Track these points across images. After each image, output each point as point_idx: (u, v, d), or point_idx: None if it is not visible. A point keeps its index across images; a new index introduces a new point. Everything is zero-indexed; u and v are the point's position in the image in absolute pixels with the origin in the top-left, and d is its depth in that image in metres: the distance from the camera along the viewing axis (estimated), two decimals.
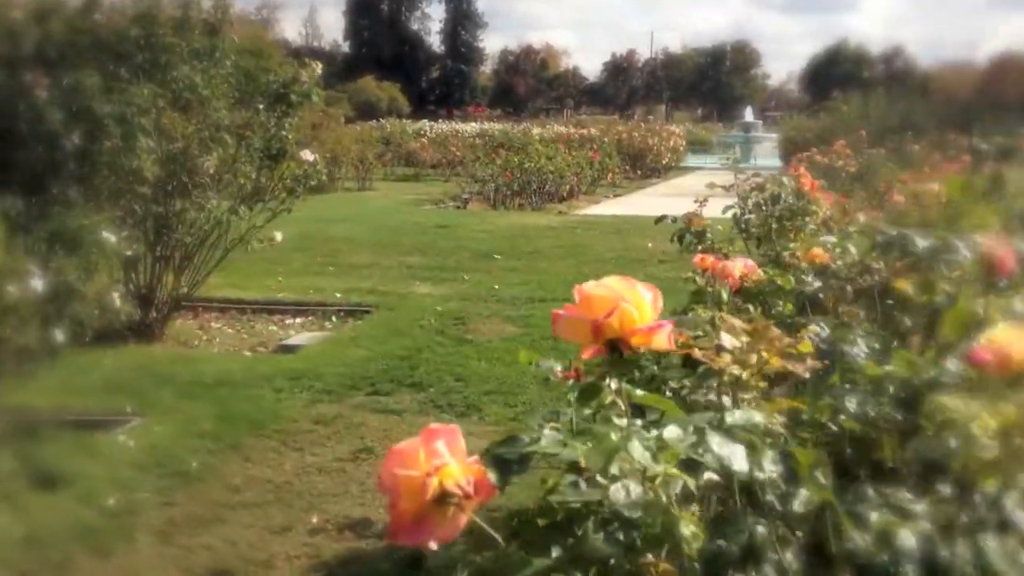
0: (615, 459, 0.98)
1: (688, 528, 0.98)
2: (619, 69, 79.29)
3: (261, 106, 6.92)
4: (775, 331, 1.38)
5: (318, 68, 7.24)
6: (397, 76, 61.82)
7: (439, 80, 77.76)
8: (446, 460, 0.93)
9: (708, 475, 1.04)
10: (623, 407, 1.12)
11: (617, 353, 1.05)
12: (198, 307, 7.38)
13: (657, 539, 0.99)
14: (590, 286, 1.07)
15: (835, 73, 69.25)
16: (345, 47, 74.25)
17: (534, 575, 0.95)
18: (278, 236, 7.12)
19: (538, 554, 0.99)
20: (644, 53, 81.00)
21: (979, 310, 1.52)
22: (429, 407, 5.14)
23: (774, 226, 3.38)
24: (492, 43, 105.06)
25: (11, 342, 3.92)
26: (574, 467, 1.05)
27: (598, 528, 1.02)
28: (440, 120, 45.08)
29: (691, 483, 1.01)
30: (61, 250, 4.49)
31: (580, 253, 10.32)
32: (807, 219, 3.36)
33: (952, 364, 1.35)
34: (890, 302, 2.44)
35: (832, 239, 2.33)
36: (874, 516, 1.10)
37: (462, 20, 78.08)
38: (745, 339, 1.37)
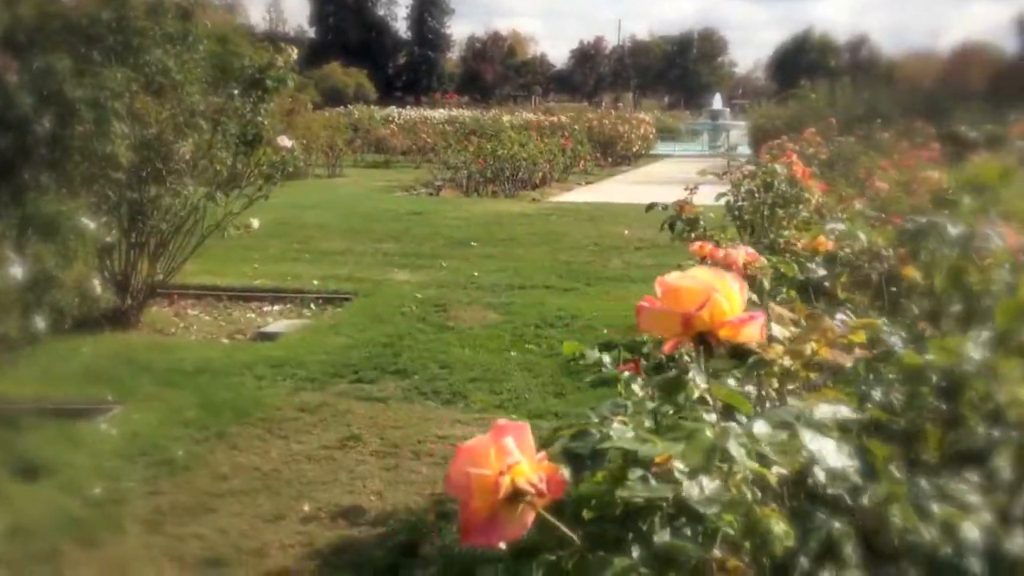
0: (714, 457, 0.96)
1: (779, 526, 0.96)
2: (586, 56, 79.28)
3: (236, 91, 6.82)
4: (828, 321, 1.38)
5: (294, 53, 7.16)
6: (363, 62, 61.36)
7: (406, 66, 77.25)
8: (517, 458, 0.91)
9: (776, 469, 1.02)
10: (712, 402, 1.09)
11: (705, 346, 1.03)
12: (173, 294, 7.28)
13: (735, 536, 0.97)
14: (675, 277, 1.04)
15: (801, 61, 69.74)
16: (311, 33, 73.45)
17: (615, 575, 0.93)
18: (255, 223, 7.03)
19: (610, 551, 0.97)
20: (612, 41, 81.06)
21: None
22: (414, 394, 5.11)
23: (766, 213, 3.38)
24: (459, 30, 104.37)
25: None
26: (641, 462, 1.02)
27: (664, 524, 0.99)
28: (408, 107, 44.84)
29: (773, 479, 0.99)
30: (38, 237, 4.41)
31: (556, 240, 10.30)
32: (800, 206, 3.36)
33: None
34: (893, 289, 2.46)
35: (840, 226, 2.32)
36: (935, 508, 1.09)
37: (429, 6, 77.58)
38: (793, 329, 1.37)
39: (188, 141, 6.49)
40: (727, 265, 2.64)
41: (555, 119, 24.06)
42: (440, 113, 36.39)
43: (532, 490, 0.91)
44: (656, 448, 0.98)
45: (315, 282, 7.84)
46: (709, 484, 0.96)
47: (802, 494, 1.09)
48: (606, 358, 1.60)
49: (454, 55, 79.80)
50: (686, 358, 1.49)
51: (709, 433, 0.97)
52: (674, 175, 22.97)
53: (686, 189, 3.91)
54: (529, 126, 21.95)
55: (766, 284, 2.72)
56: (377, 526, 3.58)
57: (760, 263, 2.68)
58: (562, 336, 6.23)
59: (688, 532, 0.99)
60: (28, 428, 4.38)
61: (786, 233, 3.35)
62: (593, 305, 7.05)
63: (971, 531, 1.06)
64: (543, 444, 1.01)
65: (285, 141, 6.81)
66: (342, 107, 33.84)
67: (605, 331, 6.33)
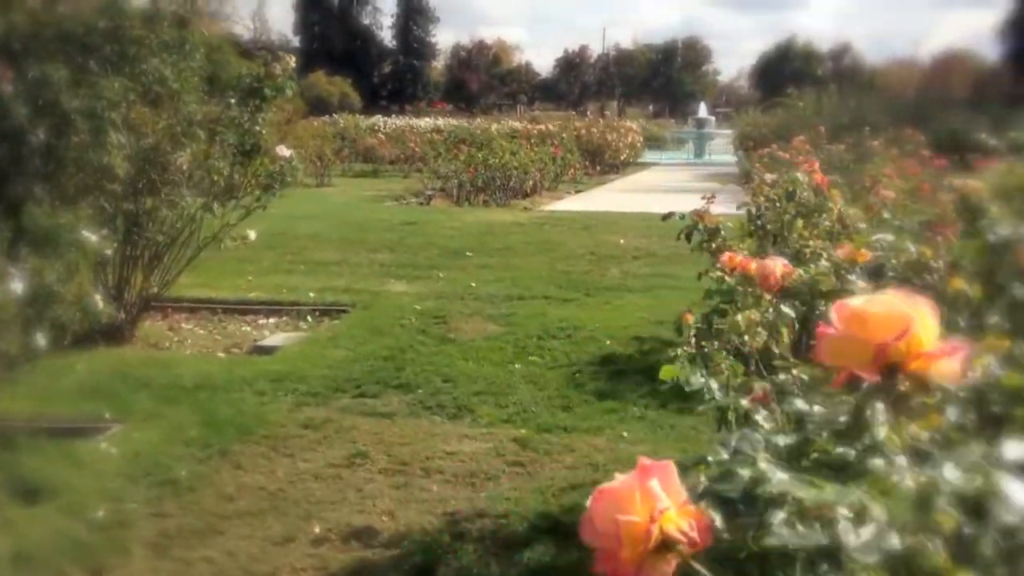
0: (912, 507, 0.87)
1: None
2: (571, 65, 79.47)
3: (233, 100, 6.73)
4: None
5: (291, 61, 7.07)
6: (348, 71, 61.28)
7: (391, 75, 77.22)
8: (666, 503, 0.84)
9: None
10: (900, 443, 1.00)
11: (891, 380, 0.95)
12: (167, 307, 7.17)
13: None
14: (861, 302, 0.96)
15: (785, 70, 70.08)
16: (295, 42, 73.26)
17: None
18: (251, 234, 6.93)
19: None
20: (596, 49, 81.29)
21: None
22: (419, 409, 5.02)
23: (788, 222, 3.32)
24: (444, 38, 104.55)
25: None
26: (785, 504, 0.94)
27: (806, 570, 0.92)
28: (394, 115, 44.77)
29: (951, 524, 0.91)
30: (37, 250, 4.30)
31: (552, 249, 10.24)
32: (823, 216, 3.31)
33: None
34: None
35: (888, 237, 2.26)
36: None
37: (414, 15, 77.63)
38: None
39: (185, 151, 6.39)
40: (764, 278, 2.58)
41: (543, 127, 24.01)
42: (426, 122, 36.36)
43: (683, 539, 0.84)
44: (828, 495, 0.90)
45: (311, 294, 7.74)
46: (866, 530, 0.88)
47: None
48: (714, 384, 1.50)
49: (439, 64, 79.82)
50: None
51: (910, 482, 0.89)
52: (663, 183, 23.02)
53: (703, 198, 3.84)
54: (517, 135, 21.89)
55: (766, 296, 2.67)
56: (391, 548, 3.49)
57: (798, 274, 2.62)
58: (565, 348, 6.15)
59: None
60: (26, 448, 4.26)
61: (811, 243, 3.29)
62: (594, 316, 6.98)
63: None
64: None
65: (284, 151, 6.71)
66: (327, 116, 33.75)
67: (608, 342, 6.28)
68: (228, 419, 4.79)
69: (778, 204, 3.45)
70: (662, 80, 77.69)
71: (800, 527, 0.90)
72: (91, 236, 4.17)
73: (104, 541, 3.47)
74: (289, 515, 3.74)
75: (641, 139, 29.10)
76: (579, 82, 78.40)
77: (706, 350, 2.64)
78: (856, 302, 0.96)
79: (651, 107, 73.43)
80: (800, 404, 1.15)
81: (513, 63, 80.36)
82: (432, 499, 3.90)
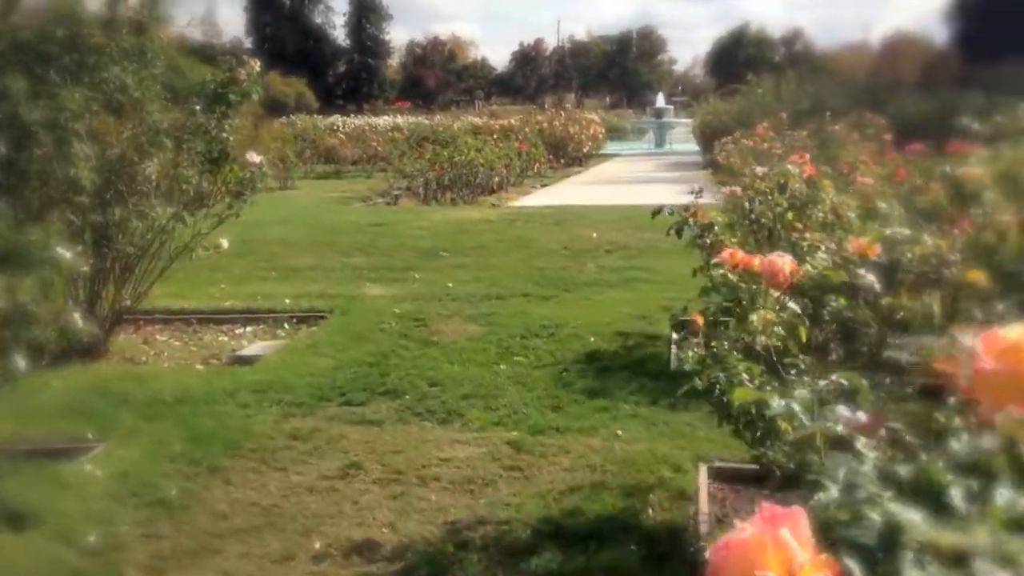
0: None
1: None
2: (527, 59, 79.44)
3: (198, 107, 6.59)
4: None
5: (257, 65, 6.94)
6: (302, 71, 60.69)
7: (346, 74, 76.66)
8: (801, 557, 0.77)
9: None
10: None
11: None
12: (139, 320, 7.02)
13: None
14: (1015, 335, 0.90)
15: (739, 57, 70.60)
16: (247, 43, 72.42)
17: None
18: (224, 243, 6.81)
19: None
20: (551, 42, 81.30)
21: None
22: (408, 415, 4.95)
23: (779, 214, 3.29)
24: (398, 36, 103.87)
25: None
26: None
27: None
28: (352, 115, 44.44)
29: None
30: (7, 269, 4.16)
31: (526, 246, 10.18)
32: (817, 208, 3.28)
33: None
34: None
35: (904, 231, 2.23)
36: None
37: (366, 13, 77.09)
38: None
39: (153, 161, 6.24)
40: (772, 275, 2.54)
41: (505, 123, 23.94)
42: (385, 120, 36.13)
43: None
44: (982, 541, 0.85)
45: (287, 301, 7.62)
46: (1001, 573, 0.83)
47: None
48: (795, 406, 1.42)
49: (394, 62, 79.36)
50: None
51: None
52: (627, 175, 23.07)
53: (690, 192, 3.81)
54: (479, 130, 21.79)
55: (773, 293, 2.63)
56: (394, 561, 3.42)
57: (804, 271, 2.58)
58: (549, 346, 6.11)
59: None
60: (6, 472, 4.13)
61: (807, 236, 3.27)
62: (575, 313, 6.94)
63: None
64: None
65: (254, 157, 6.58)
66: (284, 117, 33.41)
67: (592, 339, 6.24)
68: (213, 433, 4.69)
69: (770, 196, 3.42)
70: (618, 71, 77.94)
71: (932, 568, 0.84)
72: (65, 252, 4.03)
73: (97, 567, 3.37)
74: (287, 531, 3.65)
75: (603, 131, 29.12)
76: (535, 76, 78.42)
77: (715, 350, 2.60)
78: (1009, 334, 0.90)
79: (608, 98, 73.57)
80: (955, 444, 1.07)
81: (469, 59, 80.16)
82: (431, 508, 3.83)
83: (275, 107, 42.68)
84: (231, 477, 4.17)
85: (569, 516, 3.68)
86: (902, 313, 2.31)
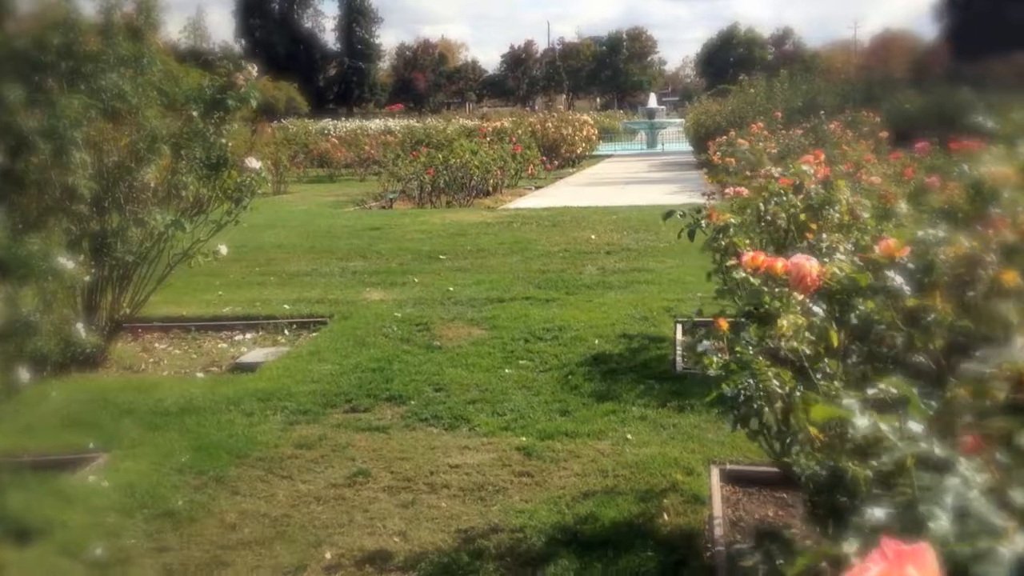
0: None
1: None
2: (518, 61, 79.44)
3: (195, 113, 6.53)
4: None
5: (254, 70, 6.89)
6: (292, 75, 60.61)
7: (337, 78, 76.66)
8: None
9: None
10: None
11: None
12: (138, 328, 6.95)
13: None
14: None
15: (729, 56, 70.78)
16: (237, 47, 72.26)
17: None
18: (223, 249, 6.75)
19: None
20: (541, 44, 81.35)
21: None
22: (414, 421, 4.90)
23: (793, 215, 3.26)
24: (388, 39, 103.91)
25: None
26: None
27: None
28: (343, 118, 44.41)
29: None
30: (8, 279, 4.10)
31: (524, 249, 10.14)
32: (833, 209, 3.25)
33: None
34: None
35: (940, 233, 2.19)
36: None
37: (356, 16, 77.09)
38: None
39: (151, 168, 6.19)
40: (799, 278, 2.50)
41: (498, 124, 23.89)
42: (377, 124, 36.11)
43: None
44: None
45: (286, 306, 7.56)
46: None
47: None
48: (884, 425, 1.36)
49: (385, 64, 79.32)
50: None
51: None
52: (620, 175, 23.06)
53: (703, 195, 3.77)
54: (473, 133, 21.75)
55: (799, 297, 2.58)
56: (408, 571, 3.37)
57: (832, 274, 2.55)
58: (553, 349, 6.07)
59: None
60: (9, 485, 4.07)
61: (824, 237, 3.23)
62: (577, 315, 6.90)
63: None
64: None
65: (254, 162, 6.53)
66: (276, 121, 33.36)
67: (597, 341, 6.21)
68: (219, 443, 4.63)
69: (785, 198, 3.38)
70: (609, 72, 77.97)
71: None
72: (67, 262, 3.98)
73: None
74: (297, 542, 3.60)
75: (596, 132, 29.11)
76: (526, 77, 78.40)
77: (739, 355, 2.56)
78: None
79: (599, 99, 73.65)
80: None
81: (459, 61, 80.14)
82: (442, 516, 3.78)
83: (266, 111, 42.68)
84: (238, 487, 4.12)
85: (584, 522, 3.64)
86: (933, 316, 2.27)
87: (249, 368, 6.04)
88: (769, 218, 3.36)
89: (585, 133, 26.50)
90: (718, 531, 3.54)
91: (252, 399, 5.27)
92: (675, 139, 36.60)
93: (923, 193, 4.02)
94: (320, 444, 4.60)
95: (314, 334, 6.85)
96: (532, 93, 75.26)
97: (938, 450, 1.16)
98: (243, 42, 71.25)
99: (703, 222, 3.57)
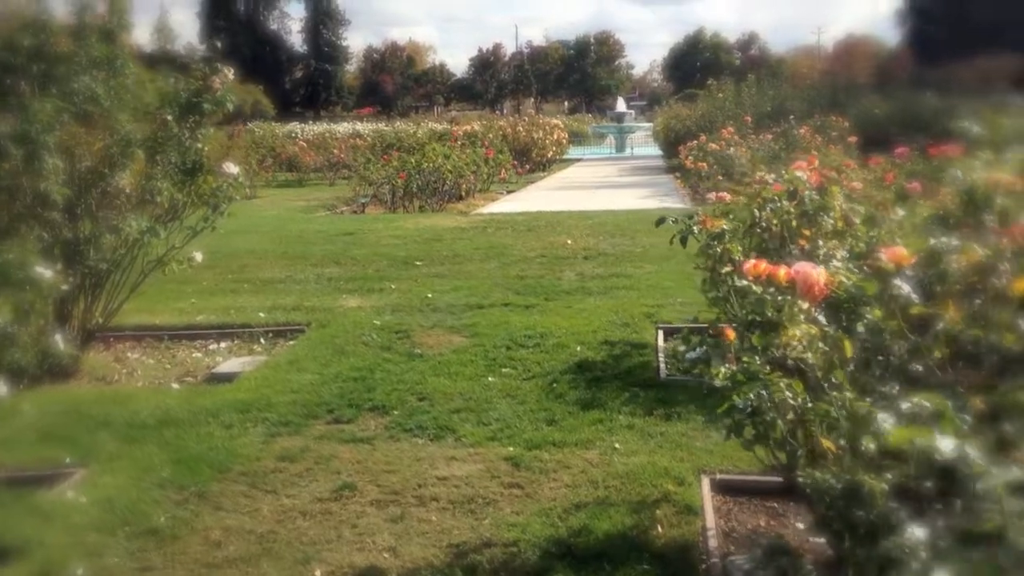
0: None
1: None
2: (486, 64, 79.42)
3: (170, 117, 6.41)
4: None
5: (230, 73, 6.78)
6: (258, 78, 60.04)
7: (303, 80, 76.16)
8: None
9: None
10: None
11: None
12: (109, 337, 6.81)
13: None
14: None
15: (696, 61, 71.26)
16: (202, 50, 71.53)
17: None
18: (198, 256, 6.64)
19: None
20: (510, 47, 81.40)
21: None
22: (398, 432, 4.83)
23: (786, 221, 3.23)
24: (355, 41, 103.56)
25: None
26: None
27: None
28: (310, 121, 44.08)
29: None
30: None
31: (501, 254, 10.08)
32: (828, 215, 3.23)
33: None
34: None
35: (953, 241, 2.17)
36: None
37: (323, 18, 76.66)
38: None
39: (125, 172, 6.06)
40: (807, 287, 2.47)
41: (468, 128, 23.84)
42: (345, 127, 35.88)
43: None
44: None
45: (261, 314, 7.44)
46: None
47: None
48: (970, 449, 1.32)
49: (352, 67, 78.95)
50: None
51: None
52: (591, 180, 23.08)
53: (692, 201, 3.73)
54: (445, 136, 21.67)
55: (804, 306, 2.55)
56: None
57: (839, 282, 2.52)
58: (536, 357, 6.02)
59: None
60: None
61: (821, 243, 3.21)
62: (558, 322, 6.86)
63: None
64: None
65: (231, 167, 6.42)
66: (242, 124, 33.00)
67: (579, 348, 6.17)
68: (199, 456, 4.53)
69: (779, 204, 3.36)
70: (577, 75, 78.19)
71: None
72: (45, 272, 3.86)
73: None
74: (285, 559, 3.52)
75: (566, 136, 29.13)
76: (495, 81, 78.40)
77: (747, 365, 2.52)
78: None
79: (567, 103, 73.84)
80: None
81: (427, 64, 79.95)
82: (433, 530, 3.71)
83: (233, 114, 42.28)
84: (222, 502, 4.03)
85: (577, 535, 3.59)
86: (942, 325, 2.25)
87: (226, 378, 5.92)
88: (764, 224, 3.34)
89: (556, 137, 26.51)
90: (712, 543, 3.51)
91: (231, 410, 5.16)
92: (644, 143, 36.74)
93: (904, 199, 4.03)
94: (303, 457, 4.51)
95: (291, 343, 6.74)
96: (500, 97, 75.34)
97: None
98: (206, 44, 70.58)
99: (696, 228, 3.54)
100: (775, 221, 3.31)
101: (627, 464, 4.27)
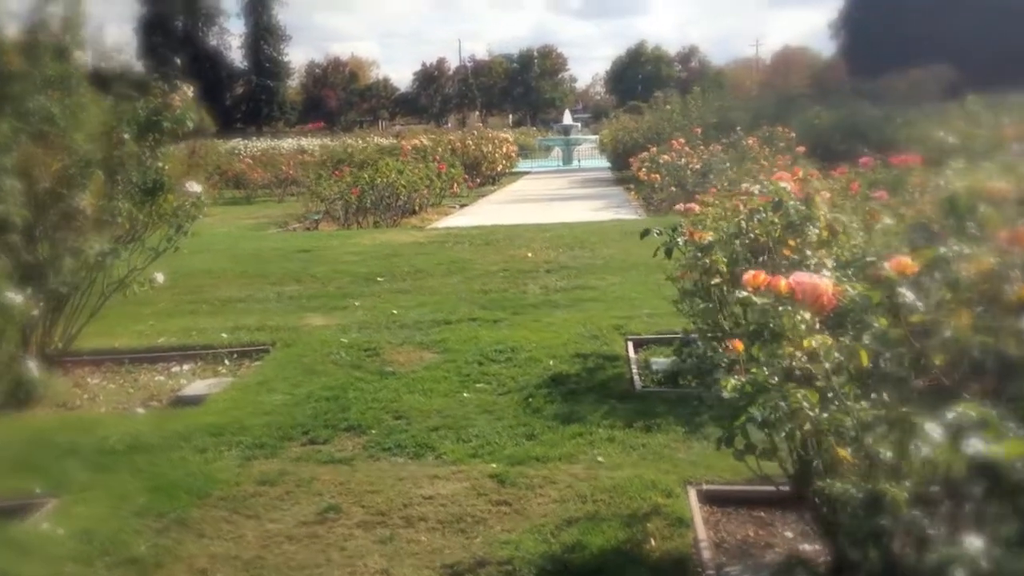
0: None
1: None
2: (430, 78, 79.41)
3: (127, 135, 6.29)
4: None
5: (190, 91, 6.68)
6: (197, 94, 59.20)
7: (244, 96, 75.31)
8: None
9: None
10: None
11: None
12: (67, 362, 6.61)
13: None
14: None
15: (638, 74, 72.08)
16: (139, 66, 70.37)
17: None
18: (159, 277, 6.53)
19: None
20: (453, 61, 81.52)
21: None
22: (377, 451, 4.76)
23: (777, 235, 3.27)
24: (296, 57, 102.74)
25: None
26: None
27: None
28: (253, 137, 43.58)
29: None
30: None
31: (463, 269, 10.03)
32: (813, 225, 3.27)
33: None
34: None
35: (965, 249, 2.21)
36: None
37: (264, 34, 75.97)
38: None
39: (84, 193, 5.92)
40: (814, 297, 2.49)
41: (417, 142, 23.77)
42: (289, 143, 35.55)
43: None
44: None
45: (223, 335, 7.30)
46: None
47: None
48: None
49: (294, 83, 78.32)
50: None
51: None
52: (542, 192, 23.16)
53: (683, 213, 3.76)
54: (395, 151, 21.58)
55: (807, 317, 2.58)
56: None
57: (844, 292, 2.54)
58: (509, 372, 5.99)
59: None
60: None
61: (808, 253, 3.25)
62: (528, 336, 6.85)
63: None
64: None
65: (194, 186, 6.31)
66: (200, 141, 32.46)
67: (552, 362, 6.16)
68: (176, 482, 4.42)
69: (764, 215, 3.40)
70: (521, 89, 78.58)
71: None
72: (15, 297, 3.74)
73: None
74: None
75: (516, 149, 29.20)
76: (439, 95, 78.42)
77: (755, 376, 2.53)
78: None
79: (511, 116, 74.11)
80: None
81: (370, 79, 79.67)
82: (424, 551, 3.66)
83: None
84: (203, 529, 3.93)
85: (572, 551, 3.57)
86: (949, 333, 2.28)
87: (193, 401, 5.80)
88: (752, 235, 3.37)
89: (505, 150, 26.58)
90: (706, 554, 3.52)
91: (203, 434, 5.05)
92: (591, 155, 36.99)
93: (869, 208, 4.10)
94: (283, 480, 4.42)
95: (257, 363, 6.62)
96: (445, 111, 75.37)
97: None
98: (143, 61, 69.47)
99: (680, 240, 3.56)
100: (760, 232, 3.35)
101: (613, 477, 4.26)
